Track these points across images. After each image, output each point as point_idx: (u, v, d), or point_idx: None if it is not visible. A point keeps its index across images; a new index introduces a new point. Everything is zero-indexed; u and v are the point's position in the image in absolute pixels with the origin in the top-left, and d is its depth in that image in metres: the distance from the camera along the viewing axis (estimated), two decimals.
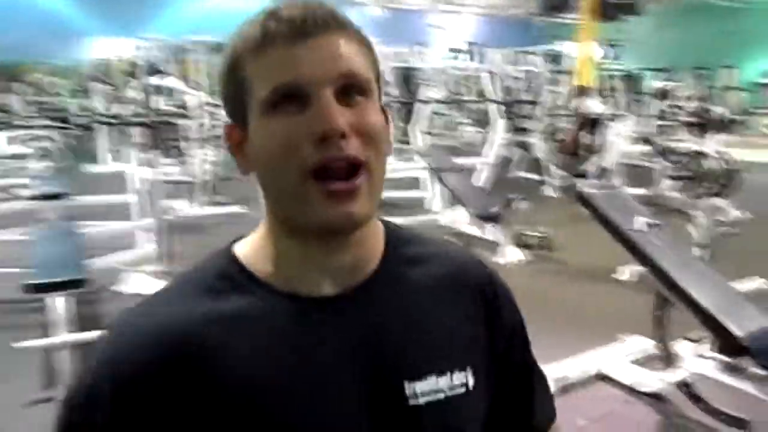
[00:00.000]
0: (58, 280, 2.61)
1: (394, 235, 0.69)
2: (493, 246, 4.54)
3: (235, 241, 0.68)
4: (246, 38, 0.59)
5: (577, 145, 10.98)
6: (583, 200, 2.66)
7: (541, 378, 0.78)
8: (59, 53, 16.18)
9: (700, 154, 4.37)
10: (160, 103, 6.88)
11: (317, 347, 0.61)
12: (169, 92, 6.55)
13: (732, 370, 2.23)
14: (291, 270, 0.62)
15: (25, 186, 6.75)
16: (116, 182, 7.49)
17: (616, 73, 15.56)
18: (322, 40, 0.57)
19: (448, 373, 0.64)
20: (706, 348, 2.30)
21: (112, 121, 4.68)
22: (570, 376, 2.64)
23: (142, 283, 3.95)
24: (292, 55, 0.57)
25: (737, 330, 2.15)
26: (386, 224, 0.70)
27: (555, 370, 2.48)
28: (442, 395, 0.63)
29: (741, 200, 5.49)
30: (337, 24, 0.59)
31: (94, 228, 4.28)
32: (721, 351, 2.22)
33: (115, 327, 0.62)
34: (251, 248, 0.65)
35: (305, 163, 0.56)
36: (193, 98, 5.71)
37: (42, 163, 7.03)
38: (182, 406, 0.57)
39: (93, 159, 8.44)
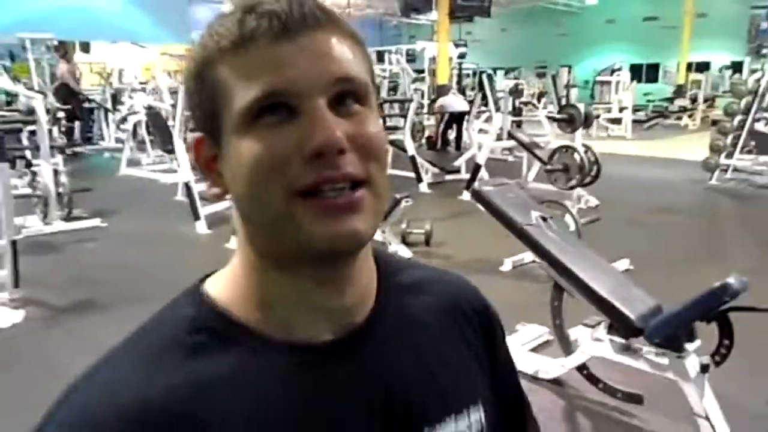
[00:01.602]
0: None
1: (383, 260, 0.61)
2: (383, 246, 4.54)
3: (202, 281, 0.55)
4: (219, 36, 0.48)
5: (443, 141, 11.45)
6: (478, 197, 2.71)
7: (525, 400, 0.74)
8: None
9: (570, 148, 4.70)
10: None
11: (324, 407, 0.51)
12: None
13: (626, 350, 2.38)
14: (282, 313, 0.51)
15: None
16: None
17: (469, 71, 16.41)
18: (311, 37, 0.47)
19: (464, 411, 0.58)
20: (601, 332, 2.44)
21: None
22: None
23: None
24: (277, 56, 0.46)
25: (630, 313, 2.30)
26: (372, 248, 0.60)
27: None
28: None
29: (589, 188, 6.02)
30: (327, 19, 0.49)
31: None
32: (616, 333, 2.37)
33: (83, 389, 0.48)
34: (228, 289, 0.53)
35: (293, 184, 0.46)
36: (39, 102, 5.09)
37: None
38: None
39: None
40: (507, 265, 4.25)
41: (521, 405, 0.72)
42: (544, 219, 2.65)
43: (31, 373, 2.82)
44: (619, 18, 22.40)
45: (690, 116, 16.26)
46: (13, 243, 3.60)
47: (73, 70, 10.80)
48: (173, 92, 10.30)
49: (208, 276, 0.55)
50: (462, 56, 17.07)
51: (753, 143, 7.83)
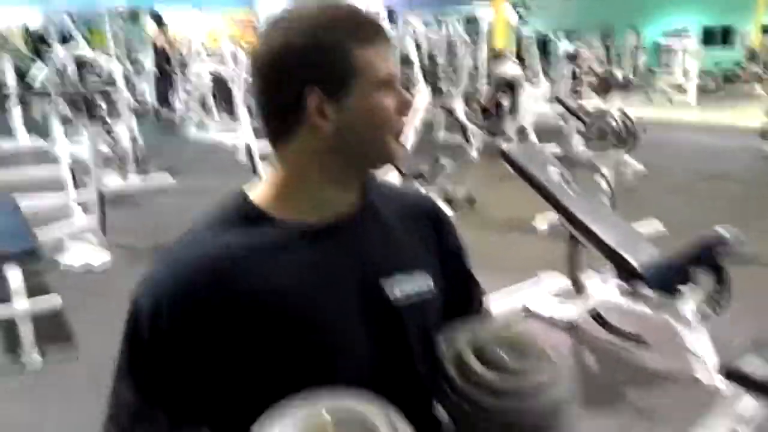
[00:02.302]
0: (14, 249, 2.68)
1: (369, 179, 0.94)
2: None
3: (243, 192, 0.89)
4: (347, 26, 0.79)
5: (496, 107, 11.47)
6: (505, 156, 2.99)
7: (478, 285, 1.06)
8: None
9: (604, 113, 4.83)
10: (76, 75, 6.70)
11: (321, 264, 0.83)
12: (83, 64, 6.35)
13: (630, 294, 2.63)
14: (305, 208, 0.84)
15: None
16: (30, 157, 7.29)
17: (528, 36, 16.17)
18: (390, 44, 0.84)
19: (413, 272, 0.88)
20: (608, 278, 2.70)
21: (51, 92, 4.56)
22: (496, 311, 3.01)
23: (86, 254, 4.01)
24: (389, 53, 0.82)
25: (633, 261, 2.56)
26: None
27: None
28: (414, 293, 0.87)
29: (638, 155, 6.11)
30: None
31: (29, 201, 4.24)
32: (621, 279, 2.62)
33: (164, 259, 0.83)
34: (266, 194, 0.85)
35: (395, 128, 0.82)
36: (118, 69, 5.61)
37: None
38: (221, 315, 0.78)
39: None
40: (542, 225, 4.49)
41: (470, 289, 1.04)
42: (564, 177, 2.90)
43: (119, 305, 3.31)
44: None
45: (763, 82, 15.53)
46: (101, 193, 4.13)
47: (169, 39, 11.80)
48: (236, 59, 10.83)
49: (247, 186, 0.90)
50: (522, 20, 16.83)
51: None
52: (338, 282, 0.83)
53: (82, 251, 4.03)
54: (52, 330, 2.89)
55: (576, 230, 2.77)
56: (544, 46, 19.98)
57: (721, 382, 2.18)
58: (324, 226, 0.84)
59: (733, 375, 1.73)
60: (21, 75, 8.09)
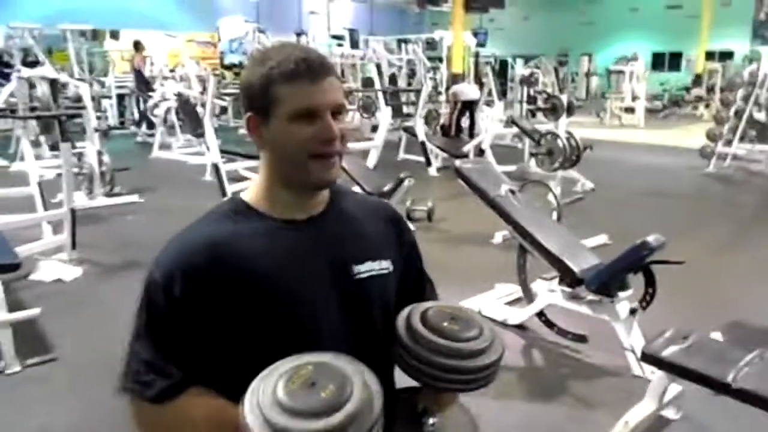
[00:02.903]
0: None
1: (335, 187, 1.17)
2: None
3: (235, 194, 1.12)
4: (281, 69, 0.99)
5: (456, 127, 11.88)
6: (459, 173, 3.26)
7: (429, 280, 1.29)
8: None
9: (552, 134, 5.18)
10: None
11: (299, 248, 1.05)
12: (53, 85, 6.41)
13: (573, 298, 2.91)
14: (281, 206, 1.06)
15: None
16: None
17: (486, 59, 16.72)
18: (326, 81, 1.01)
19: (378, 260, 1.11)
20: (554, 284, 2.97)
21: (26, 114, 4.63)
22: None
23: (57, 270, 4.10)
24: (310, 90, 0.97)
25: (574, 266, 2.84)
26: None
27: None
28: (375, 272, 1.10)
29: (588, 172, 6.52)
30: (330, 69, 1.03)
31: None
32: (564, 284, 2.90)
33: (177, 238, 1.05)
34: (254, 195, 1.08)
35: (311, 152, 1.00)
36: (86, 90, 5.72)
37: None
38: (218, 286, 0.99)
39: None
40: (497, 238, 4.78)
41: (423, 283, 1.27)
42: (513, 192, 3.18)
43: (93, 314, 3.48)
44: (642, 6, 22.39)
45: (706, 106, 16.41)
46: (72, 211, 4.24)
47: (144, 59, 12.01)
48: (201, 80, 10.96)
49: (239, 191, 1.12)
50: (480, 44, 17.44)
51: (754, 133, 8.19)
52: (312, 263, 1.05)
53: (53, 267, 4.13)
54: (29, 339, 3.00)
55: (524, 240, 3.05)
56: (502, 69, 20.64)
57: (646, 371, 2.47)
58: (301, 221, 1.07)
59: (648, 358, 2.00)
60: None
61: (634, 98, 14.29)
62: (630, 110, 14.45)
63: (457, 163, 3.38)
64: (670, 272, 2.68)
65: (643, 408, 2.18)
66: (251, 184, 1.11)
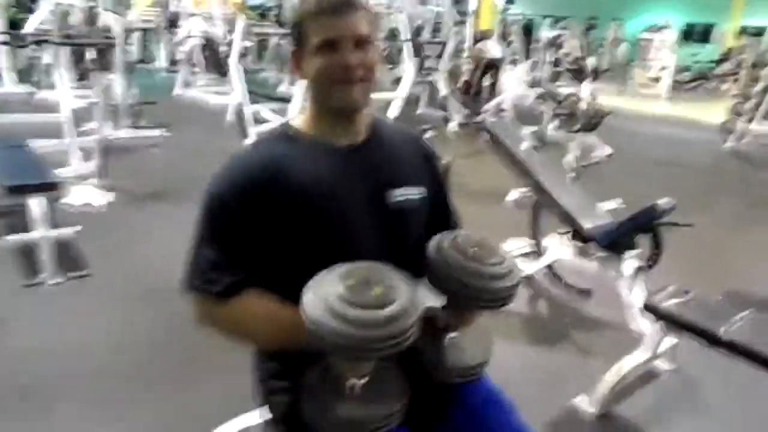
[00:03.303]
0: (38, 182, 2.97)
1: (376, 118, 1.29)
2: None
3: (288, 121, 1.25)
4: (309, 7, 1.13)
5: (477, 86, 11.81)
6: (486, 129, 3.36)
7: (456, 212, 1.42)
8: None
9: (575, 97, 5.23)
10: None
11: (342, 170, 1.18)
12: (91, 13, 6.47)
13: (583, 253, 3.05)
14: (325, 132, 1.19)
15: None
16: (19, 104, 7.40)
17: (514, 18, 16.44)
18: (348, 15, 1.12)
19: (413, 186, 1.24)
20: (565, 239, 3.10)
21: (66, 41, 4.73)
22: None
23: (86, 195, 4.28)
24: (332, 24, 1.11)
25: (587, 224, 2.96)
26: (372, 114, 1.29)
27: None
28: (409, 197, 1.23)
29: (607, 140, 6.57)
30: (355, 4, 1.13)
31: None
32: (576, 240, 3.03)
33: (233, 159, 1.18)
34: (301, 121, 1.22)
35: (332, 78, 1.12)
36: (117, 22, 5.78)
37: None
38: (271, 199, 1.13)
39: None
40: (513, 195, 4.88)
41: (449, 211, 1.40)
42: (533, 149, 3.28)
43: (122, 237, 3.68)
44: None
45: (734, 81, 16.11)
46: (103, 139, 4.39)
47: None
48: (226, 20, 10.92)
49: (291, 119, 1.25)
50: (510, 1, 17.11)
51: None
52: (355, 188, 1.19)
53: (84, 192, 4.30)
54: (65, 256, 3.19)
55: (540, 197, 3.17)
56: (528, 30, 20.27)
57: (643, 327, 2.61)
58: (345, 147, 1.20)
59: (648, 308, 2.14)
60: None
61: (662, 68, 14.07)
62: (655, 80, 14.24)
63: (487, 120, 3.47)
64: (680, 240, 2.80)
65: (638, 356, 2.33)
66: (301, 113, 1.24)
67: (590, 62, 5.78)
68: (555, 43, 11.26)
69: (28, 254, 3.11)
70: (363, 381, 1.06)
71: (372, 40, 1.16)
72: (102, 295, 2.96)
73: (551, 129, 6.13)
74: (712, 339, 1.95)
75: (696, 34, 21.48)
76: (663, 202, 2.69)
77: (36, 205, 2.97)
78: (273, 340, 1.18)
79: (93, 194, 4.30)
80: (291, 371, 1.15)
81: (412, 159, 1.30)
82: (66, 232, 3.16)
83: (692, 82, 16.16)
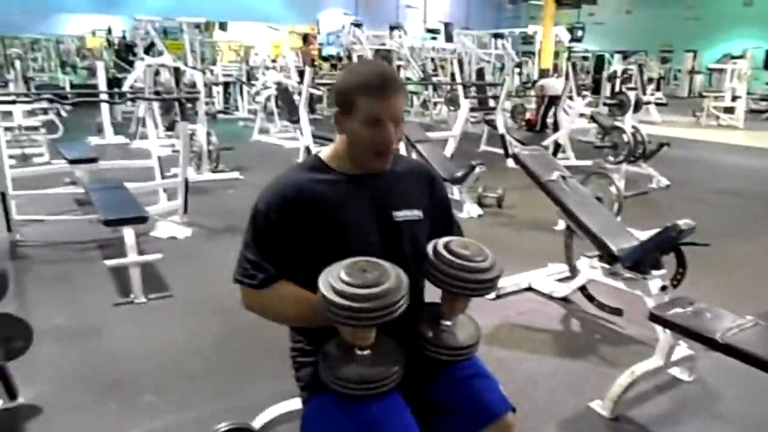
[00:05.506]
0: (131, 216, 3.51)
1: (396, 155, 1.64)
2: (458, 204, 5.54)
3: (317, 153, 1.62)
4: (360, 80, 1.44)
5: (542, 122, 11.99)
6: (515, 157, 3.64)
7: (457, 224, 1.74)
8: (35, 28, 16.76)
9: (618, 129, 5.39)
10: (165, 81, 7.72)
11: (357, 194, 1.53)
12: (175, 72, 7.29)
13: (611, 274, 3.23)
14: (347, 167, 1.55)
15: (40, 154, 7.60)
16: (117, 152, 8.31)
17: (580, 54, 16.56)
18: (394, 97, 1.45)
19: (412, 209, 1.59)
20: (594, 261, 3.30)
21: (154, 97, 5.47)
22: (507, 287, 3.67)
23: (171, 229, 4.86)
24: (379, 105, 1.40)
25: (613, 245, 3.16)
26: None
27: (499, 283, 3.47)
28: (408, 217, 1.57)
29: (667, 170, 6.63)
30: (399, 87, 1.48)
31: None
32: (604, 261, 3.22)
33: (275, 181, 1.54)
34: (328, 156, 1.58)
35: (374, 149, 1.47)
36: (199, 77, 6.51)
37: (47, 135, 7.86)
38: (300, 214, 1.48)
39: (85, 132, 9.30)
40: (561, 225, 5.08)
41: (451, 223, 1.73)
42: (564, 177, 3.53)
43: (200, 265, 4.19)
44: (757, 0, 21.22)
45: None
46: (186, 181, 4.99)
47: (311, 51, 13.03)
48: (300, 71, 11.76)
49: (319, 151, 1.63)
50: (576, 39, 17.28)
51: None
52: (365, 207, 1.53)
53: (168, 227, 4.89)
54: (151, 279, 3.71)
55: (569, 220, 3.40)
56: (599, 65, 20.19)
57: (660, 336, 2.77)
58: (359, 175, 1.55)
59: (653, 317, 2.33)
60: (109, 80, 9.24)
61: (735, 98, 13.73)
62: (729, 110, 13.89)
63: (515, 149, 3.76)
64: (726, 264, 2.90)
65: (650, 362, 2.51)
66: (328, 148, 1.61)
67: (630, 95, 5.92)
68: (617, 77, 11.31)
69: (121, 276, 3.64)
70: (367, 352, 1.39)
71: (403, 117, 1.50)
72: (180, 312, 3.43)
73: (607, 163, 6.28)
74: (709, 342, 2.12)
75: None
76: (682, 222, 2.86)
77: (129, 235, 3.50)
78: (299, 319, 1.54)
79: (176, 228, 4.87)
80: (314, 349, 1.51)
81: (414, 185, 1.63)
82: (152, 257, 3.68)
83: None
